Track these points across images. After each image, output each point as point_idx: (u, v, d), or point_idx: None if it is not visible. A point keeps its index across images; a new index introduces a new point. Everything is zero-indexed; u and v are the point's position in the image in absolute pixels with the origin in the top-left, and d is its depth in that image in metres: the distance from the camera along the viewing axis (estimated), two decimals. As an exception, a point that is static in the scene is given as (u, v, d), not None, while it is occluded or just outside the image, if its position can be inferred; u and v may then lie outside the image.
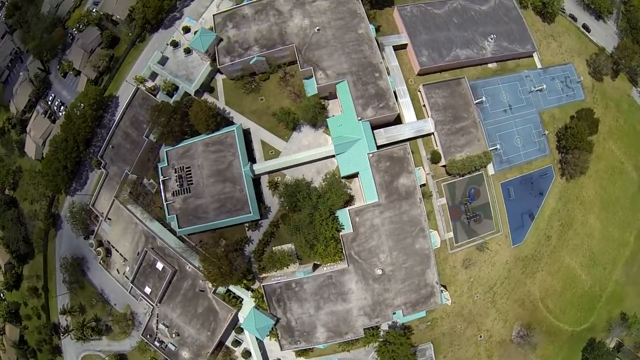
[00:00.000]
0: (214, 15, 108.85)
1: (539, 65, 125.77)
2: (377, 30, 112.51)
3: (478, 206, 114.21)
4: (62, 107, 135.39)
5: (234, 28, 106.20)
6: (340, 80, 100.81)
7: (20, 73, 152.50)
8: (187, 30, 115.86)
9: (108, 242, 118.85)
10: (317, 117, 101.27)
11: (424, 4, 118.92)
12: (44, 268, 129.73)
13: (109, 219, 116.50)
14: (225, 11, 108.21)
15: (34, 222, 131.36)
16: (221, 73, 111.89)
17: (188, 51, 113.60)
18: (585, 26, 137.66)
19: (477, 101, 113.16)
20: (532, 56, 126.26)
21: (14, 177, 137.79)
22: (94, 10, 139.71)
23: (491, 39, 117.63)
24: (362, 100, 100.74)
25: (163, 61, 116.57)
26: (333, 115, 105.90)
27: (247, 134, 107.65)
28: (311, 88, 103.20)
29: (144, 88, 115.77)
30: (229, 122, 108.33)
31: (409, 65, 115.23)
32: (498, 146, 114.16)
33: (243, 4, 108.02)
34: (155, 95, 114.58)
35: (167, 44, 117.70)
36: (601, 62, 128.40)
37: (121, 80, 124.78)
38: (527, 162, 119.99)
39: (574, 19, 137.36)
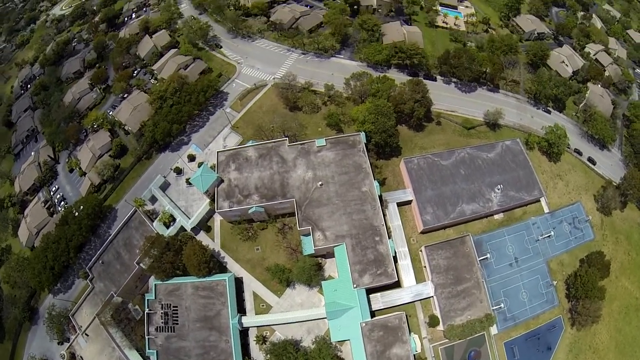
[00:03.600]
0: (217, 152, 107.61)
1: (546, 210, 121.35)
2: (382, 183, 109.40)
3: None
4: (62, 203, 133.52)
5: (236, 170, 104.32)
6: (339, 244, 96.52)
7: (32, 152, 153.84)
8: (192, 158, 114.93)
9: (81, 358, 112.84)
10: (312, 278, 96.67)
11: (431, 155, 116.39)
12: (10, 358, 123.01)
13: (86, 334, 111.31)
14: (230, 150, 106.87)
15: (11, 308, 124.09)
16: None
17: (190, 183, 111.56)
18: (590, 159, 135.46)
19: (481, 258, 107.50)
20: (540, 201, 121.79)
21: (1, 254, 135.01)
22: (110, 113, 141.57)
23: (498, 189, 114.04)
24: (359, 266, 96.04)
25: (165, 186, 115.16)
26: (329, 277, 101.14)
27: (239, 282, 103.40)
28: (308, 247, 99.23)
29: (142, 211, 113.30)
30: (223, 268, 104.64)
31: (413, 223, 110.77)
32: (502, 305, 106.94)
33: (248, 145, 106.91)
34: (152, 221, 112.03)
35: (171, 169, 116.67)
36: (609, 196, 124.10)
37: (123, 193, 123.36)
38: (534, 317, 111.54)
39: (579, 153, 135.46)
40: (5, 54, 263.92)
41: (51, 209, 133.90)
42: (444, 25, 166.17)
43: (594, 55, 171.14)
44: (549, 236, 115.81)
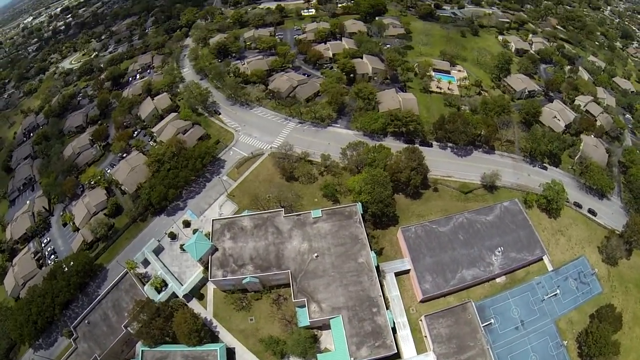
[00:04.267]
0: (213, 220, 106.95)
1: (550, 268, 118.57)
2: (380, 253, 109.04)
3: None
4: (52, 256, 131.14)
5: (231, 239, 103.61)
6: (335, 316, 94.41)
7: (27, 201, 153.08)
8: (187, 224, 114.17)
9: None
10: (308, 351, 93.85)
11: (428, 222, 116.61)
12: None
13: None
14: (225, 218, 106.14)
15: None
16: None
17: (184, 249, 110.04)
18: (591, 211, 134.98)
19: (485, 324, 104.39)
20: (542, 259, 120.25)
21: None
22: (108, 172, 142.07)
23: (498, 252, 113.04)
24: (356, 338, 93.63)
25: (158, 250, 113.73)
26: (325, 349, 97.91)
27: (231, 353, 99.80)
28: (303, 319, 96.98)
29: (134, 274, 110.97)
30: (214, 337, 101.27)
31: (412, 292, 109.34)
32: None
33: (243, 214, 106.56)
34: (143, 284, 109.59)
35: (166, 233, 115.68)
36: (613, 246, 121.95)
37: (115, 253, 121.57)
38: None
39: (579, 206, 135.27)
40: (12, 100, 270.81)
41: (40, 261, 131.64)
42: (438, 90, 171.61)
43: (584, 106, 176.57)
44: (555, 295, 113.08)
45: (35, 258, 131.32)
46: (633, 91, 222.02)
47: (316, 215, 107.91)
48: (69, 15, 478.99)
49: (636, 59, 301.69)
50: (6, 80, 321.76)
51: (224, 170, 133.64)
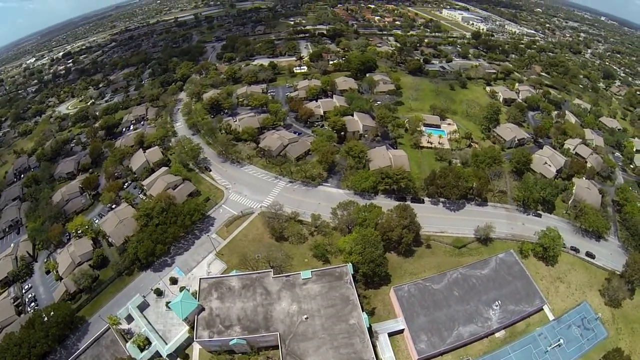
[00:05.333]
0: (200, 279, 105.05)
1: (551, 317, 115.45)
2: (372, 313, 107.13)
3: None
4: (32, 304, 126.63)
5: (219, 299, 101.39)
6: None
7: (12, 244, 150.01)
8: (174, 281, 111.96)
9: None
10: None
11: (422, 280, 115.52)
12: None
13: None
14: (213, 278, 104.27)
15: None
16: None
17: (170, 307, 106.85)
18: (589, 254, 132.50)
19: None
20: (543, 309, 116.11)
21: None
22: (96, 222, 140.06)
23: (496, 306, 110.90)
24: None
25: (143, 306, 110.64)
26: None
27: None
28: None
29: (116, 330, 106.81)
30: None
31: (406, 353, 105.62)
32: None
33: (232, 274, 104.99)
34: (126, 341, 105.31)
35: (151, 289, 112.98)
36: (615, 287, 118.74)
37: (98, 306, 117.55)
38: None
39: (576, 250, 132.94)
40: (6, 139, 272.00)
41: (20, 308, 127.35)
42: (429, 145, 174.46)
43: (573, 149, 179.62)
44: (558, 345, 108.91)
45: (15, 304, 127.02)
46: (620, 129, 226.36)
47: (306, 277, 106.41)
48: (70, 61, 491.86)
49: (620, 97, 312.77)
50: (2, 119, 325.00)
51: (213, 228, 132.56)
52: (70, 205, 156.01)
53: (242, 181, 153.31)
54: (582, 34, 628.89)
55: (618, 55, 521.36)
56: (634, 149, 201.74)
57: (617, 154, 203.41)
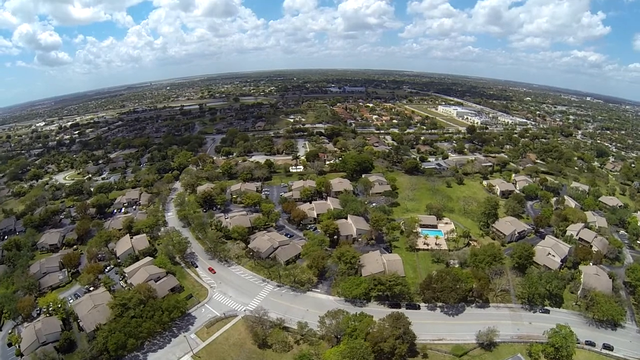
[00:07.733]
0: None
1: None
2: None
3: None
4: None
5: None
6: None
7: None
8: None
9: None
10: None
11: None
12: None
13: None
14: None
15: None
16: None
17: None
18: (606, 346, 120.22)
19: None
20: None
21: None
22: (70, 302, 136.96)
23: None
24: None
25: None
26: None
27: None
28: None
29: None
30: None
31: None
32: None
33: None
34: None
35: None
36: None
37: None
38: None
39: (592, 344, 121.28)
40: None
41: None
42: (425, 246, 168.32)
43: (576, 235, 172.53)
44: None
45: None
46: (621, 205, 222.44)
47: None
48: (77, 132, 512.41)
49: (616, 173, 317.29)
50: (0, 175, 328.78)
51: (192, 328, 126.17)
52: (47, 279, 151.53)
53: (228, 281, 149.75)
54: (571, 117, 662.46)
55: (608, 132, 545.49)
56: (639, 224, 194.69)
57: (622, 231, 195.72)
